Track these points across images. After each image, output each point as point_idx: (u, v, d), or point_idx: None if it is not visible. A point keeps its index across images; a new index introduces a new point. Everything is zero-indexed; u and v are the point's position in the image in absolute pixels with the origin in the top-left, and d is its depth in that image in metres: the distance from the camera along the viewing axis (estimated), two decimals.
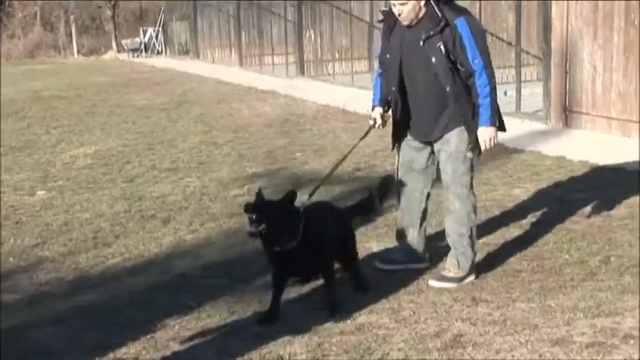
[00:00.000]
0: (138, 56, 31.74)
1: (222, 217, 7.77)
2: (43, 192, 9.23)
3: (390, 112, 5.93)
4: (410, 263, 6.12)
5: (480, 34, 5.54)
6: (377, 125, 5.98)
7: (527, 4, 13.62)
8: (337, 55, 20.10)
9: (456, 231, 5.86)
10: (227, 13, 26.16)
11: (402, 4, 5.45)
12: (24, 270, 6.60)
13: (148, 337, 5.16)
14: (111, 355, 4.92)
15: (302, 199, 5.60)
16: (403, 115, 5.81)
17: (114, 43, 34.12)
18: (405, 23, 5.54)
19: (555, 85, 12.01)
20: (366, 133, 6.17)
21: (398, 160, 6.13)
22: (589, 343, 4.80)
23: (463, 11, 5.63)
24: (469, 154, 5.70)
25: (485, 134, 5.59)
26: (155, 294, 5.94)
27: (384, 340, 4.97)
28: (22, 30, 35.09)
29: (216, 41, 27.36)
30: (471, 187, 5.84)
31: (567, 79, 11.69)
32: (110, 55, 33.48)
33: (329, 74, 19.68)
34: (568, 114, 11.82)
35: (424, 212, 6.11)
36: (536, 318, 5.21)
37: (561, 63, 11.76)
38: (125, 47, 33.21)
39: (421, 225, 6.14)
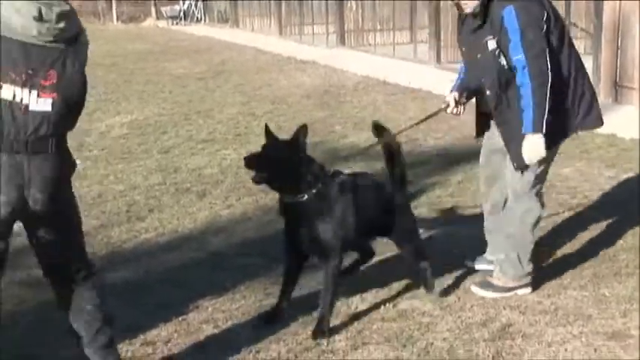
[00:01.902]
0: (177, 24, 31.48)
1: (259, 192, 7.49)
2: (78, 162, 8.94)
3: (466, 100, 5.27)
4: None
5: (530, 26, 4.73)
6: (449, 110, 5.22)
7: None
8: (378, 26, 19.71)
9: (505, 231, 5.22)
10: None
11: None
12: None
13: (180, 319, 4.99)
14: (141, 336, 4.75)
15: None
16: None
17: (153, 11, 33.89)
18: (467, 10, 4.95)
19: (606, 60, 11.61)
20: (435, 114, 5.69)
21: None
22: None
23: None
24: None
25: (528, 144, 4.81)
26: (189, 272, 5.76)
27: (427, 329, 4.75)
28: None
29: (255, 10, 27.03)
30: (534, 187, 5.07)
31: (619, 54, 11.30)
32: (149, 22, 33.25)
33: (370, 45, 19.33)
34: (618, 89, 11.42)
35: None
36: (589, 308, 4.96)
37: (613, 37, 11.37)
38: (164, 15, 32.97)
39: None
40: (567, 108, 4.93)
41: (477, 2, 4.84)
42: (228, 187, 7.89)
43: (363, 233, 4.98)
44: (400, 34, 18.77)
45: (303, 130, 4.77)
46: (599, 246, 5.91)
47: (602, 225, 6.38)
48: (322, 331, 4.62)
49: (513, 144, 4.90)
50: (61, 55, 3.62)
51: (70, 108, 3.73)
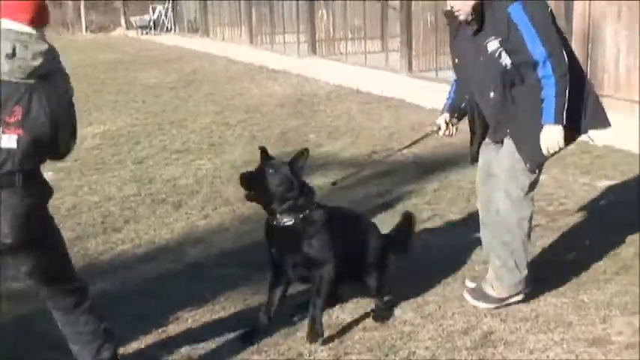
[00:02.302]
0: (147, 33, 31.32)
1: (236, 201, 7.47)
2: (51, 173, 8.90)
3: (457, 120, 5.25)
4: None
5: (542, 18, 4.65)
6: (441, 133, 5.23)
7: None
8: (350, 35, 19.69)
9: (500, 238, 4.97)
10: None
11: None
12: None
13: (160, 330, 4.96)
14: (120, 349, 4.66)
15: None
16: (482, 116, 5.07)
17: (122, 20, 33.71)
18: (462, 18, 4.78)
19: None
20: (420, 139, 5.68)
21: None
22: (629, 344, 4.57)
23: None
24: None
25: (548, 134, 4.67)
26: (167, 283, 5.72)
27: (409, 337, 4.74)
28: None
29: (226, 19, 26.92)
30: (529, 191, 4.92)
31: (589, 61, 11.35)
32: (119, 32, 33.07)
33: (341, 54, 19.30)
34: None
35: None
36: (569, 314, 4.98)
37: (583, 44, 11.41)
38: (134, 24, 32.78)
39: None
40: (577, 107, 4.80)
41: (469, 9, 4.71)
42: (204, 198, 7.84)
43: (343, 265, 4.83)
44: (371, 42, 18.75)
45: (302, 154, 4.70)
46: (575, 253, 5.93)
47: (579, 232, 6.40)
48: (317, 333, 4.58)
49: (526, 144, 4.77)
50: (28, 91, 3.61)
51: (39, 144, 3.69)
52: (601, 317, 4.90)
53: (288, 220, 4.61)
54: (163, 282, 5.73)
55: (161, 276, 5.86)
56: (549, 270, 5.63)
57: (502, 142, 4.96)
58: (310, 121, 11.80)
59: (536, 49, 4.59)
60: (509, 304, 5.00)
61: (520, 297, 5.00)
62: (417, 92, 13.30)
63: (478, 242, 6.16)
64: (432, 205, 7.24)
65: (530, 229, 5.06)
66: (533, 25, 4.60)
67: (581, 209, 6.95)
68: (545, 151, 4.73)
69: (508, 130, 4.87)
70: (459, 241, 6.29)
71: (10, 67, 3.55)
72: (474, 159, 5.30)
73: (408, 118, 11.54)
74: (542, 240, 6.22)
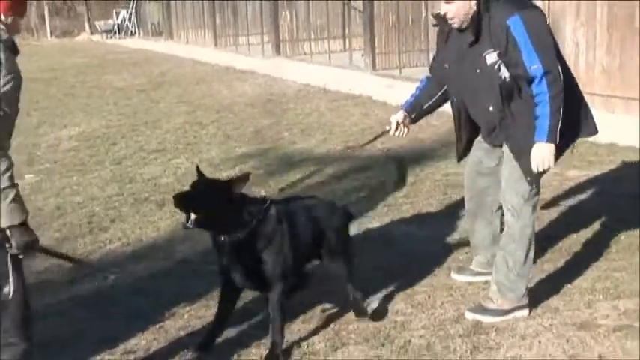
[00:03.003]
0: (111, 38, 31.12)
1: None
2: (32, 175, 8.84)
3: (413, 121, 5.13)
4: (489, 275, 5.00)
5: (539, 33, 4.45)
6: (391, 132, 5.06)
7: None
8: (313, 35, 19.70)
9: (503, 249, 4.78)
10: None
11: (447, 4, 4.54)
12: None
13: (158, 326, 4.91)
14: (121, 346, 4.65)
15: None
16: (468, 121, 4.96)
17: (87, 25, 33.44)
18: (455, 25, 4.61)
19: None
20: (375, 139, 5.64)
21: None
22: (615, 327, 4.58)
23: (521, 6, 4.53)
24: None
25: (539, 152, 4.48)
26: (160, 281, 5.65)
27: (403, 327, 4.72)
28: None
29: (189, 22, 26.78)
30: (530, 199, 4.71)
31: None
32: (83, 36, 32.80)
33: (305, 54, 19.30)
34: None
35: (496, 213, 5.14)
36: (555, 300, 4.99)
37: None
38: (98, 29, 32.58)
39: (493, 226, 5.22)
40: (572, 117, 4.65)
41: (463, 17, 4.53)
42: None
43: (300, 259, 4.68)
44: (334, 42, 18.77)
45: (245, 178, 4.45)
46: (555, 241, 5.92)
47: (557, 221, 6.42)
48: (276, 355, 4.35)
49: (524, 157, 4.55)
50: None
51: None
52: (585, 302, 4.91)
53: (235, 236, 4.32)
54: (156, 280, 5.66)
55: (153, 274, 5.79)
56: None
57: (501, 147, 4.83)
58: (282, 119, 11.76)
59: (533, 66, 4.39)
60: (514, 318, 4.72)
61: (525, 312, 4.75)
62: (383, 89, 13.33)
63: (459, 233, 6.22)
64: (410, 199, 7.21)
65: (533, 239, 4.80)
66: (531, 41, 4.39)
67: (555, 198, 6.98)
68: (534, 168, 4.55)
69: (505, 139, 4.73)
70: (441, 232, 6.29)
71: None
72: (460, 158, 5.23)
73: (377, 114, 11.54)
74: None
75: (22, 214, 3.48)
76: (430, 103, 5.13)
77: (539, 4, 11.41)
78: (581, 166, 7.84)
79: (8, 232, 3.46)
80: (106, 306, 5.19)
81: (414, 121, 5.15)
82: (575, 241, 5.93)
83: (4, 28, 3.63)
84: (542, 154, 4.49)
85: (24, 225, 3.49)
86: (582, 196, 7.05)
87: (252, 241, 4.35)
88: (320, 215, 4.81)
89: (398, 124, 5.05)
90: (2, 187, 3.40)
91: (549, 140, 4.46)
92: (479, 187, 5.16)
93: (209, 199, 4.29)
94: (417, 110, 5.13)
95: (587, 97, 9.48)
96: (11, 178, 3.44)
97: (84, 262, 5.49)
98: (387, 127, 5.13)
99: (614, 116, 10.26)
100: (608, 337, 4.46)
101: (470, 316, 4.77)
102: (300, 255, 4.62)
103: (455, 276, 5.37)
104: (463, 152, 5.15)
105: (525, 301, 4.78)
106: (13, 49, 3.61)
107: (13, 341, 3.62)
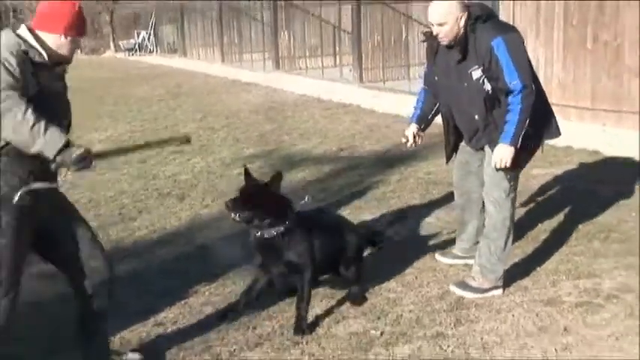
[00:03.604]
0: (133, 55, 30.97)
1: (230, 193, 7.27)
2: (69, 173, 8.76)
3: (423, 131, 5.10)
4: (469, 259, 5.09)
5: (518, 53, 4.44)
6: (409, 144, 5.07)
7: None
8: (308, 53, 19.64)
9: (486, 237, 4.79)
10: (210, 16, 25.53)
11: (439, 25, 4.51)
12: None
13: (183, 302, 4.88)
14: (152, 319, 4.63)
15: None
16: (456, 128, 4.95)
17: (112, 44, 33.29)
18: (444, 43, 4.60)
19: None
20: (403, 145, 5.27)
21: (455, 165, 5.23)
22: (577, 303, 4.59)
23: (502, 29, 4.57)
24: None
25: (500, 152, 4.50)
26: (183, 263, 5.62)
27: (395, 303, 4.71)
28: None
29: (200, 41, 26.68)
30: (510, 194, 4.72)
31: None
32: (109, 54, 32.68)
33: (301, 68, 19.22)
34: None
35: (482, 208, 4.99)
36: (524, 280, 4.98)
37: None
38: (121, 47, 32.43)
39: (479, 219, 5.16)
40: (542, 122, 4.68)
41: (451, 37, 4.52)
42: (202, 190, 7.74)
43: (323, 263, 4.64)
44: (326, 59, 18.71)
45: (278, 177, 4.49)
46: (523, 230, 5.88)
47: (524, 213, 6.40)
48: (302, 329, 4.32)
49: None
50: None
51: None
52: (551, 282, 4.91)
53: (269, 233, 4.38)
54: (180, 262, 5.64)
55: (177, 257, 5.76)
56: None
57: (482, 149, 4.83)
58: (282, 124, 11.71)
59: (513, 81, 4.38)
60: (491, 296, 4.72)
61: (500, 291, 4.75)
62: (369, 99, 13.30)
63: (440, 222, 6.22)
64: (397, 193, 7.20)
65: (512, 228, 4.82)
66: (512, 60, 4.38)
67: (521, 193, 6.92)
68: (493, 165, 4.56)
69: (487, 142, 4.71)
70: (424, 222, 6.29)
71: None
72: (449, 159, 5.19)
73: (365, 120, 11.51)
74: None
75: (60, 136, 3.33)
76: (433, 112, 5.10)
77: (504, 18, 11.47)
78: (543, 166, 7.83)
79: (59, 158, 3.33)
80: (138, 285, 5.17)
81: (423, 130, 5.12)
82: (540, 230, 5.93)
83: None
84: (503, 154, 4.51)
85: (68, 145, 3.34)
86: (545, 191, 7.05)
87: (285, 238, 4.40)
88: (342, 228, 4.87)
89: (414, 136, 5.03)
90: (30, 124, 3.26)
91: (512, 144, 4.48)
92: (467, 186, 5.15)
93: (255, 201, 4.35)
94: (424, 121, 5.10)
95: None
96: (33, 114, 3.27)
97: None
98: (404, 140, 5.09)
99: (568, 123, 10.24)
100: (571, 311, 4.46)
101: (455, 291, 4.78)
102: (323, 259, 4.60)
103: (439, 259, 5.36)
104: (450, 154, 5.13)
105: (501, 282, 4.78)
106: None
107: None
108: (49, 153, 3.31)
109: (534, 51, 11.15)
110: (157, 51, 31.04)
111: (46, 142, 3.29)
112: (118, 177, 8.50)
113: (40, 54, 3.56)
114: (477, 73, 4.51)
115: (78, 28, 3.66)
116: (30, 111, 3.27)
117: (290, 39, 19.92)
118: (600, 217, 6.14)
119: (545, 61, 11.01)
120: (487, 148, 4.73)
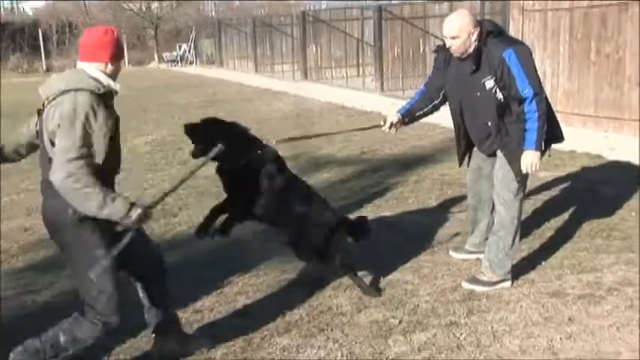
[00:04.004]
0: (174, 66, 31.16)
1: None
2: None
3: (405, 124, 5.00)
4: (480, 253, 5.01)
5: (528, 63, 4.42)
6: (384, 127, 4.94)
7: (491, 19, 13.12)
8: (333, 64, 19.68)
9: (495, 234, 4.74)
10: (245, 31, 25.67)
11: (453, 38, 4.49)
12: None
13: (219, 291, 4.87)
14: (191, 306, 4.63)
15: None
16: (466, 133, 4.88)
17: (156, 56, 33.45)
18: (457, 55, 4.57)
19: None
20: (371, 127, 5.38)
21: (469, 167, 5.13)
22: (581, 295, 4.53)
23: (512, 42, 4.57)
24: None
25: (528, 158, 4.46)
26: (219, 255, 5.59)
27: (412, 294, 4.67)
28: None
29: (236, 53, 26.85)
30: (518, 195, 4.68)
31: None
32: (153, 65, 32.85)
33: (327, 78, 19.30)
34: None
35: (492, 208, 4.98)
36: (531, 274, 4.93)
37: None
38: (164, 59, 32.64)
39: (489, 218, 5.10)
40: (548, 129, 4.58)
41: (463, 50, 4.49)
42: None
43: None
44: (350, 69, 18.75)
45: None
46: (531, 228, 5.84)
47: (532, 212, 6.32)
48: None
49: (516, 162, 4.53)
50: None
51: None
52: (556, 275, 4.86)
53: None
54: (216, 254, 5.62)
55: (213, 250, 5.72)
56: None
57: (494, 154, 4.75)
58: (310, 130, 11.65)
59: (525, 89, 4.35)
60: (500, 288, 4.67)
61: (508, 284, 4.71)
62: (389, 107, 13.13)
63: (454, 220, 6.18)
64: (415, 193, 7.17)
65: (520, 227, 4.75)
66: (523, 70, 4.36)
67: (528, 194, 6.88)
68: (524, 170, 4.53)
69: (499, 147, 4.65)
70: (439, 219, 6.25)
71: None
72: (461, 162, 5.12)
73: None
74: None
75: (124, 204, 3.36)
76: (420, 113, 5.00)
77: (514, 30, 11.38)
78: (549, 168, 7.76)
79: (124, 221, 3.38)
80: (178, 275, 5.16)
81: (405, 124, 5.03)
82: (546, 228, 5.87)
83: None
84: (531, 159, 4.48)
85: (129, 210, 3.37)
86: (551, 192, 6.98)
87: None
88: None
89: (392, 124, 4.95)
90: (99, 199, 3.27)
91: (537, 149, 4.46)
92: (478, 188, 5.09)
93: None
94: (409, 116, 5.00)
95: None
96: (100, 189, 3.27)
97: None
98: (382, 123, 4.99)
99: (573, 129, 10.17)
100: (575, 303, 4.41)
101: (466, 285, 4.73)
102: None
103: (452, 254, 5.32)
104: (462, 157, 5.08)
105: (509, 275, 4.74)
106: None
107: None
108: (115, 218, 3.35)
109: (542, 63, 11.07)
110: (196, 62, 31.22)
111: (111, 212, 3.32)
112: (160, 177, 8.55)
113: (116, 91, 3.48)
114: (489, 83, 4.47)
115: (121, 53, 3.57)
116: (98, 187, 3.26)
117: (317, 51, 19.98)
118: (602, 216, 6.06)
119: (551, 72, 10.93)
120: (499, 153, 4.67)
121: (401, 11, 15.98)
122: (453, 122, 4.95)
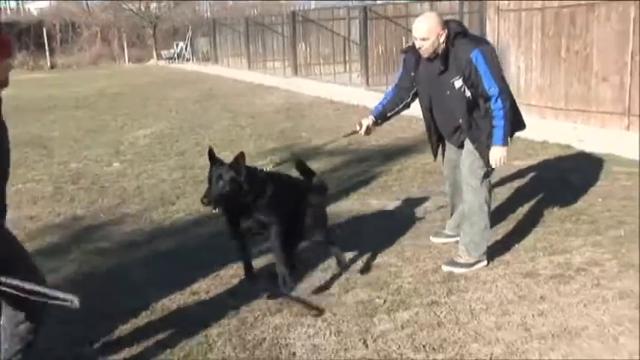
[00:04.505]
0: (172, 63, 30.97)
1: None
2: (117, 164, 8.81)
3: (379, 124, 4.96)
4: (457, 236, 4.98)
5: (494, 63, 4.40)
6: (361, 132, 4.90)
7: (469, 19, 13.10)
8: (322, 60, 19.62)
9: (468, 219, 4.73)
10: (238, 30, 25.54)
11: (422, 40, 4.46)
12: (112, 223, 6.23)
13: (214, 274, 4.85)
14: (188, 289, 4.60)
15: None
16: (437, 129, 4.87)
17: (154, 53, 33.20)
18: (425, 56, 4.54)
19: None
20: (349, 134, 5.30)
21: (443, 160, 5.11)
22: (552, 275, 4.55)
23: (478, 43, 4.52)
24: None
25: (497, 153, 4.48)
26: (214, 241, 5.59)
27: (395, 276, 4.68)
28: (87, 44, 34.13)
29: (230, 51, 26.73)
30: (484, 181, 4.67)
31: None
32: (152, 62, 32.59)
33: (316, 74, 19.25)
34: None
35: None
36: (506, 256, 4.94)
37: None
38: (162, 56, 32.42)
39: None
40: (511, 122, 4.57)
41: (432, 50, 4.47)
42: None
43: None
44: (337, 66, 18.69)
45: (241, 155, 4.53)
46: (506, 213, 5.87)
47: (507, 198, 6.36)
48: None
49: (485, 153, 4.54)
50: None
51: None
52: (529, 257, 4.88)
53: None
54: (212, 240, 5.62)
55: (210, 236, 5.74)
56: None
57: (462, 146, 4.75)
58: (300, 122, 11.69)
59: (491, 88, 4.35)
60: (477, 269, 4.69)
61: (484, 264, 4.72)
62: (374, 101, 13.00)
63: (435, 208, 6.18)
64: (398, 182, 7.18)
65: (490, 211, 4.76)
66: (489, 69, 4.35)
67: (503, 181, 6.93)
68: (493, 164, 4.56)
69: (473, 143, 4.61)
70: (421, 207, 6.26)
71: None
72: (435, 156, 5.10)
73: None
74: None
75: None
76: (392, 113, 4.95)
77: (490, 38, 11.39)
78: (523, 157, 7.81)
79: None
80: (176, 259, 5.18)
81: (379, 124, 5.00)
82: (520, 213, 5.89)
83: None
84: (499, 154, 4.50)
85: None
86: (524, 180, 7.00)
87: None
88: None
89: (368, 127, 4.90)
90: None
91: (504, 144, 4.47)
92: (455, 177, 5.07)
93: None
94: (382, 117, 4.95)
95: (525, 107, 9.42)
96: None
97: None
98: (358, 127, 4.94)
99: (545, 121, 10.23)
100: (546, 282, 4.43)
101: (445, 268, 4.73)
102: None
103: (433, 239, 5.33)
104: (435, 151, 5.07)
105: (485, 256, 4.75)
106: None
107: None
108: None
109: (516, 59, 11.10)
110: (192, 59, 31.06)
111: None
112: (159, 167, 8.50)
113: None
114: (458, 83, 4.46)
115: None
116: None
117: (306, 49, 19.93)
118: (571, 202, 6.10)
119: (525, 67, 10.95)
120: (466, 143, 4.68)
121: (385, 11, 15.96)
122: (425, 119, 4.91)
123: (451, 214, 5.31)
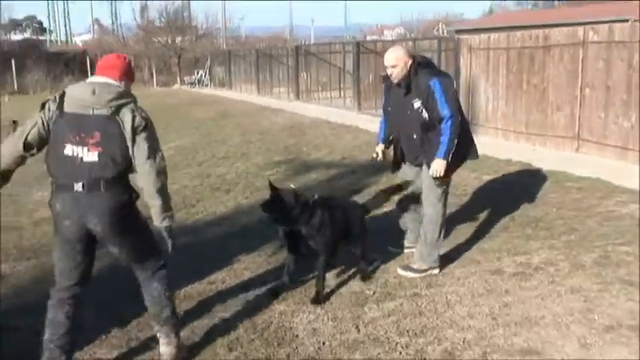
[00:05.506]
0: (193, 87, 30.96)
1: (264, 189, 7.31)
2: None
3: (390, 148, 4.85)
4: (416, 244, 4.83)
5: (449, 91, 4.36)
6: (378, 159, 4.83)
7: (446, 55, 13.12)
8: (320, 87, 19.63)
9: (424, 230, 4.61)
10: (250, 61, 25.54)
11: (392, 67, 4.45)
12: None
13: (229, 267, 4.85)
14: (205, 280, 4.60)
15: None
16: (402, 149, 4.78)
17: (178, 79, 33.21)
18: (395, 81, 4.51)
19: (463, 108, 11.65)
20: (373, 160, 4.99)
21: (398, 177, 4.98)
22: (515, 273, 4.55)
23: (438, 74, 4.50)
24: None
25: (436, 165, 4.37)
26: (229, 239, 5.59)
27: (383, 271, 4.67)
28: None
29: (242, 78, 26.66)
30: (442, 197, 4.57)
31: (470, 104, 11.40)
32: (176, 86, 32.56)
33: (315, 99, 19.22)
34: (471, 126, 11.44)
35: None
36: (477, 256, 4.94)
37: (467, 94, 11.46)
38: (185, 82, 32.39)
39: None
40: (464, 146, 4.49)
41: (400, 76, 4.45)
42: (243, 186, 7.72)
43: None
44: (334, 92, 18.70)
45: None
46: (475, 219, 5.86)
47: (475, 206, 6.36)
48: (318, 300, 4.13)
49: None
50: (105, 120, 3.07)
51: (114, 158, 3.08)
52: (496, 257, 4.88)
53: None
54: (228, 238, 5.62)
55: (225, 235, 5.74)
56: (459, 230, 5.60)
57: (421, 166, 4.62)
58: (301, 139, 11.68)
59: (444, 111, 4.31)
60: (430, 275, 4.55)
61: (436, 271, 4.58)
62: (365, 122, 13.22)
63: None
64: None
65: (444, 225, 4.65)
66: (444, 96, 4.32)
67: (475, 192, 6.95)
68: (431, 173, 4.41)
69: (425, 160, 4.53)
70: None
71: (91, 102, 3.08)
72: (394, 171, 4.99)
73: (361, 138, 11.42)
74: (453, 212, 6.08)
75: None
76: (391, 136, 4.85)
77: (464, 71, 11.43)
78: (490, 173, 7.83)
79: None
80: (197, 254, 5.16)
81: (388, 147, 4.93)
82: (488, 220, 5.89)
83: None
84: (438, 166, 4.38)
85: None
86: (492, 192, 7.01)
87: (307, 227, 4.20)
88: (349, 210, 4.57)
89: (383, 152, 4.85)
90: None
91: (444, 158, 4.36)
92: (409, 190, 4.90)
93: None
94: (388, 141, 4.89)
95: (492, 131, 9.37)
96: None
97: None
98: (374, 156, 4.86)
99: (509, 143, 10.26)
100: (510, 279, 4.44)
101: (400, 272, 4.60)
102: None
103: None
104: (395, 167, 4.94)
105: (437, 263, 4.60)
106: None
107: None
108: None
109: (485, 90, 11.13)
110: (210, 85, 31.03)
111: None
112: (181, 175, 8.48)
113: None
114: (417, 104, 4.40)
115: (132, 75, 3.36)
116: None
117: (307, 77, 19.93)
118: (531, 211, 6.11)
119: (492, 97, 10.98)
120: (424, 165, 4.55)
121: (375, 47, 15.99)
122: (393, 137, 4.80)
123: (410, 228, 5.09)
